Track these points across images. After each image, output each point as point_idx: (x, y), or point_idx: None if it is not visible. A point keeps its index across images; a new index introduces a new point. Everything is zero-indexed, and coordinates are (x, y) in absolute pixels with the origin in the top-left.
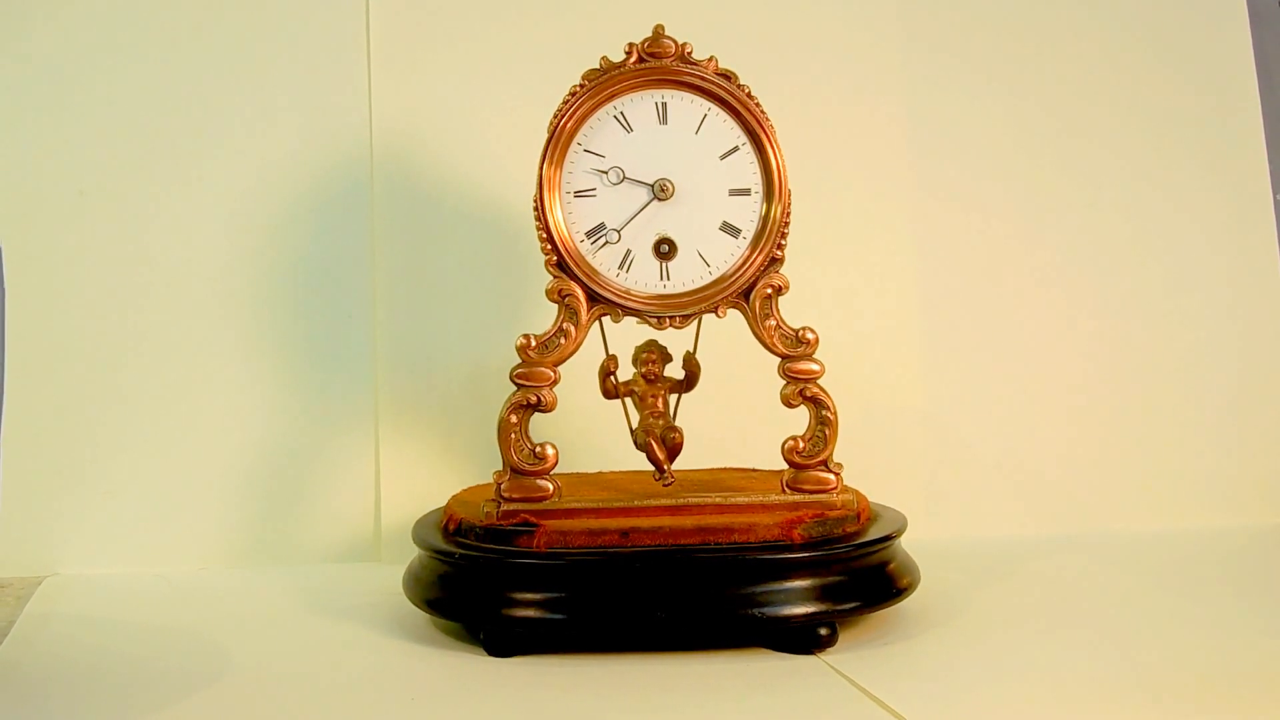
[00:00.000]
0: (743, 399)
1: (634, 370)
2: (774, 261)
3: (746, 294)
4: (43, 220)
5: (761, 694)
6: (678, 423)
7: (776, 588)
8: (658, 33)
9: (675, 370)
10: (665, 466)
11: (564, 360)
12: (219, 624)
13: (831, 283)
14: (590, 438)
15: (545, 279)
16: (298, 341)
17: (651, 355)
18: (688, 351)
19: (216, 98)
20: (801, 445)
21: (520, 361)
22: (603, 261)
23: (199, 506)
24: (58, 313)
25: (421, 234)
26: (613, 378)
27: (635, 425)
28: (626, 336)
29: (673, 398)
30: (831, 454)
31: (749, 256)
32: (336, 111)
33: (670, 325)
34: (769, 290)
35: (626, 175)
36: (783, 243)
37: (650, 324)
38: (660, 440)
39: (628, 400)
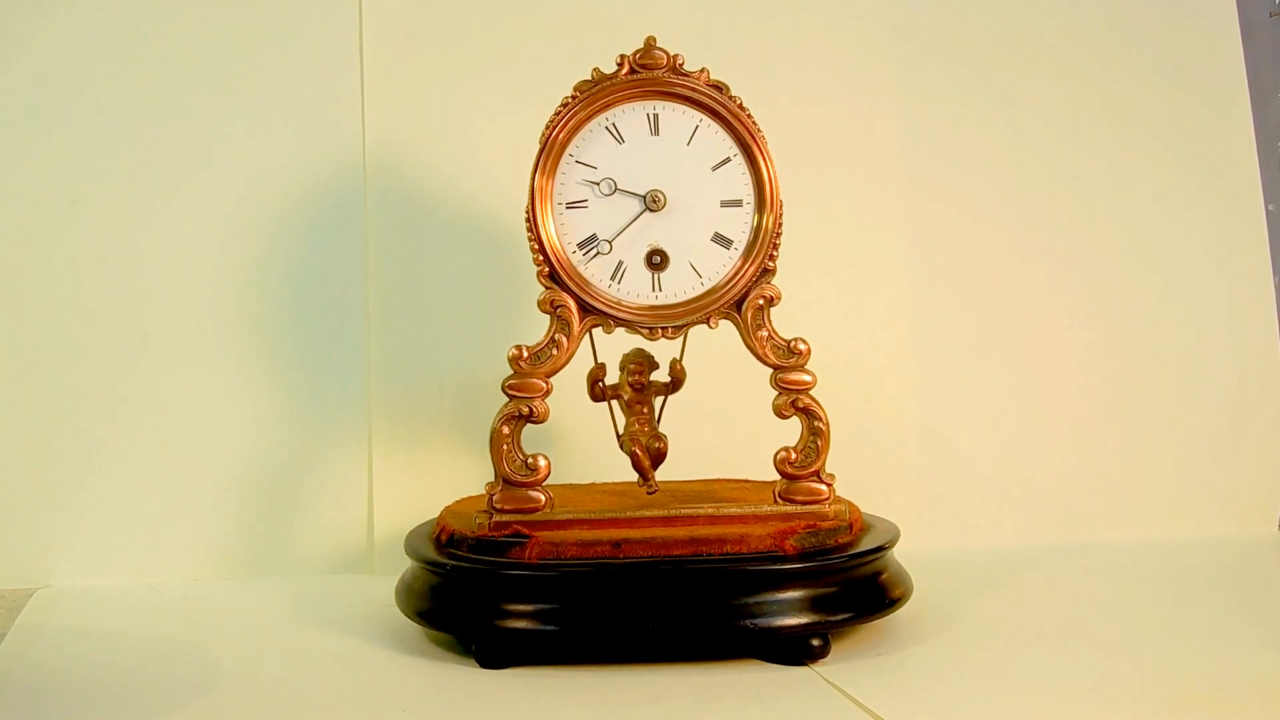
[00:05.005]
0: (735, 410)
1: (620, 375)
2: (766, 272)
3: (738, 305)
4: (36, 231)
5: (754, 705)
6: (670, 434)
7: (769, 599)
8: (649, 44)
9: (661, 375)
10: (650, 475)
11: (556, 371)
12: (211, 635)
13: (824, 293)
14: (582, 449)
15: (537, 290)
16: (290, 352)
17: (639, 366)
18: (674, 359)
19: (210, 109)
20: (794, 456)
21: (512, 372)
22: (595, 272)
23: (191, 518)
24: (49, 323)
25: (414, 245)
26: (600, 384)
27: (621, 431)
28: (617, 343)
29: (659, 400)
30: (824, 465)
31: (741, 267)
32: (330, 123)
33: (663, 336)
34: (761, 301)
35: (618, 186)
36: (775, 253)
37: (642, 334)
38: (645, 448)
39: (614, 404)
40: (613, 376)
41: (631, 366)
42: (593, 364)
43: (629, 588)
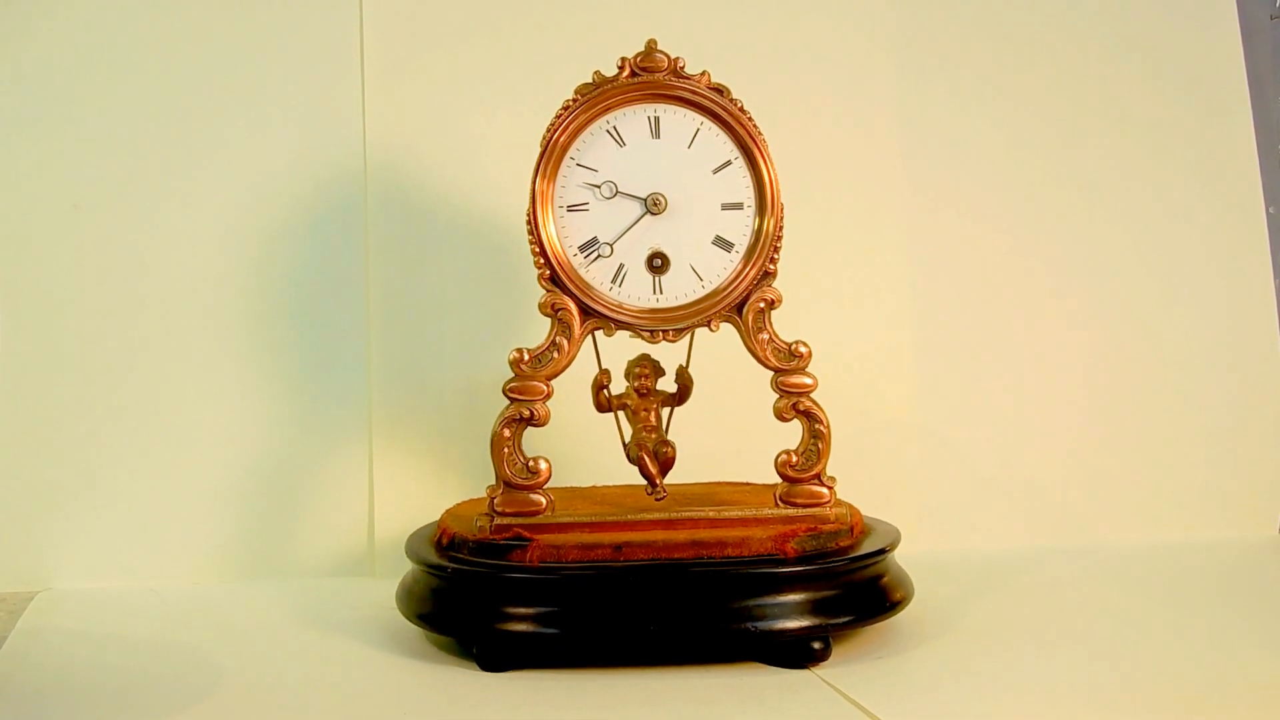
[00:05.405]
0: (736, 412)
1: (626, 384)
2: (767, 275)
3: (739, 308)
4: (37, 235)
5: (754, 708)
6: (671, 436)
7: (770, 602)
8: (650, 47)
9: (668, 384)
10: (658, 480)
11: (557, 374)
12: (212, 638)
13: (825, 296)
14: (583, 452)
15: (538, 293)
16: (292, 355)
17: (644, 370)
18: (680, 365)
19: (211, 112)
20: (795, 459)
21: (513, 375)
22: (595, 275)
23: (192, 520)
24: (51, 327)
25: (415, 247)
26: (605, 391)
27: (628, 439)
28: (620, 349)
29: (665, 411)
30: (825, 468)
31: (742, 270)
32: (331, 126)
33: (663, 339)
34: (762, 304)
35: (619, 189)
36: (775, 256)
37: (643, 338)
38: (653, 454)
39: (620, 414)
40: (617, 384)
41: (637, 370)
42: (596, 371)
43: (630, 591)
